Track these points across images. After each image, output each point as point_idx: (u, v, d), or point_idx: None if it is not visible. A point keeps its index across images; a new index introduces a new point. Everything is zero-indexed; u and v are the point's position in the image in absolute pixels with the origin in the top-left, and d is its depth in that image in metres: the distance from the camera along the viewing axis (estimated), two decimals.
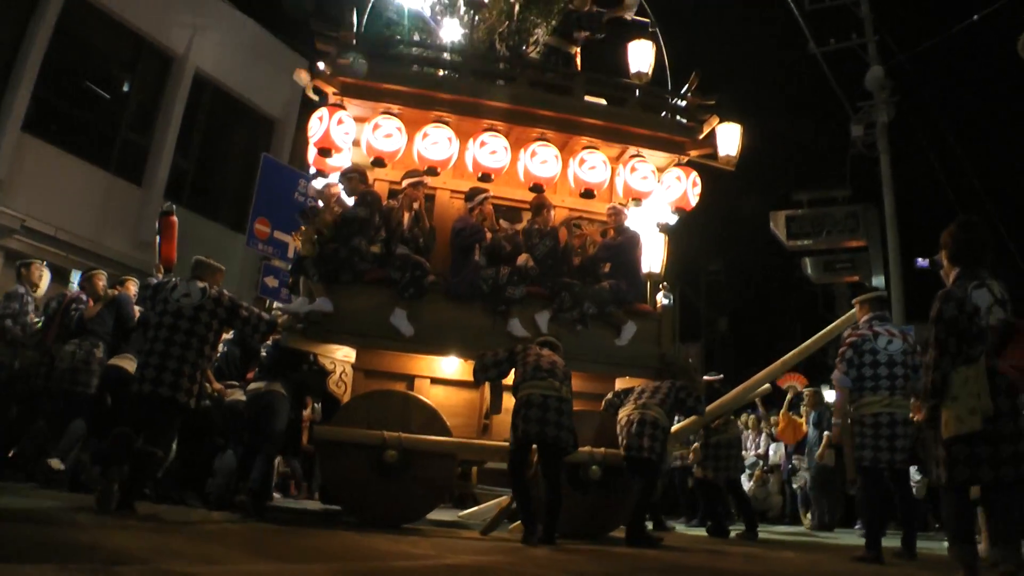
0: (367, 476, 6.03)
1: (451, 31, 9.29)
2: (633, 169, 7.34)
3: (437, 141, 6.93)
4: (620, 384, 7.03)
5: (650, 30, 8.59)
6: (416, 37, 9.39)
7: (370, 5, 8.59)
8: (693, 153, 7.63)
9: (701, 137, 7.61)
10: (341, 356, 6.72)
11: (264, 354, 6.77)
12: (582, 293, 6.79)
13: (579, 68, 8.64)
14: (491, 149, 6.99)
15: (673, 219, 7.83)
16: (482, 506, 7.73)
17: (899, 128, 17.39)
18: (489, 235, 6.96)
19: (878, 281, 17.94)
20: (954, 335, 3.86)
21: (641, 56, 8.46)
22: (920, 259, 15.58)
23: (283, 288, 10.96)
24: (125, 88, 14.23)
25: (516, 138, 7.26)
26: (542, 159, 7.08)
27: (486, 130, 7.09)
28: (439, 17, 9.48)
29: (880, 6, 18.05)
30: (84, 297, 7.59)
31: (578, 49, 8.69)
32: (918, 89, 31.34)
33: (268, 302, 10.11)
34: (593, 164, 7.25)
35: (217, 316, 5.59)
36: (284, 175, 12.00)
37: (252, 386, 6.51)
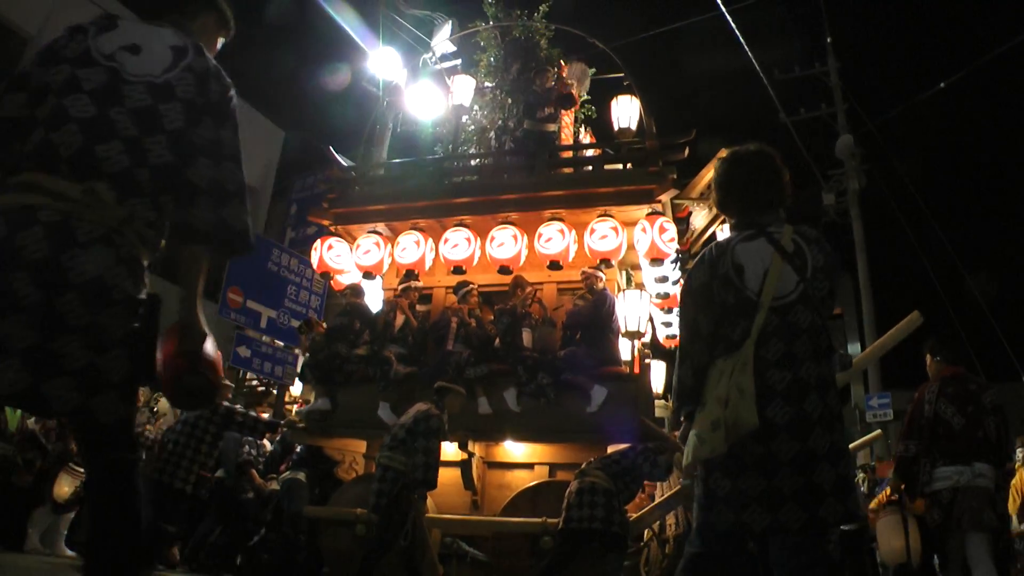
0: (351, 549, 6.56)
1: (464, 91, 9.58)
2: (592, 231, 7.48)
3: (406, 247, 7.85)
4: (612, 451, 6.96)
5: (625, 84, 8.83)
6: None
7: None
8: (663, 197, 7.69)
9: (674, 177, 7.66)
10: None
11: (298, 449, 7.95)
12: (535, 365, 6.90)
13: (567, 140, 9.02)
14: (453, 243, 7.72)
15: (666, 271, 7.84)
16: None
17: (871, 195, 17.78)
18: (472, 322, 7.53)
19: (853, 348, 18.17)
20: (707, 310, 2.79)
21: (624, 112, 8.69)
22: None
23: (255, 358, 10.97)
24: None
25: (482, 227, 7.84)
26: (499, 242, 7.62)
27: (452, 227, 7.83)
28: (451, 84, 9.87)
29: (848, 76, 18.64)
30: None
31: (554, 126, 8.92)
32: (888, 156, 32.16)
33: (241, 372, 10.13)
34: (549, 236, 7.54)
35: (213, 422, 7.23)
36: (258, 245, 12.08)
37: (283, 476, 7.78)
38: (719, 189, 3.04)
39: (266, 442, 8.84)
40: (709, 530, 2.61)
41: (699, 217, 9.05)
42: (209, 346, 2.33)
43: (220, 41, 2.73)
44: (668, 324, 9.21)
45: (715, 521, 2.58)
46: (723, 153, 3.11)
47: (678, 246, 8.55)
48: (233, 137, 2.38)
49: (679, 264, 8.29)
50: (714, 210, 8.82)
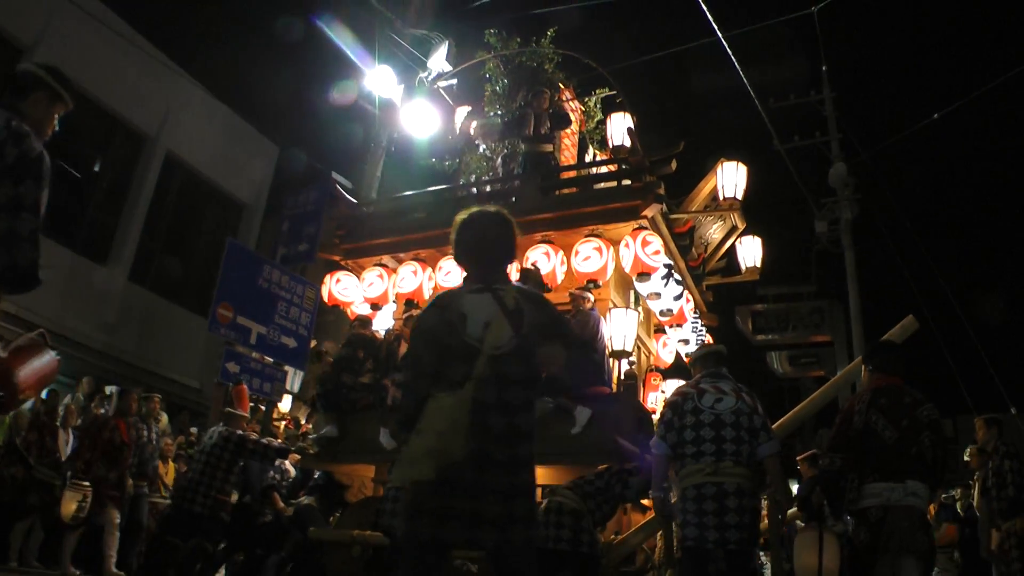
0: (356, 570, 6.71)
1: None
2: (577, 252, 7.50)
3: (404, 277, 8.22)
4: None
5: (618, 101, 8.90)
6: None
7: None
8: (648, 212, 7.59)
9: (660, 191, 7.61)
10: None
11: (316, 475, 8.32)
12: None
13: (568, 161, 9.14)
14: (447, 271, 7.98)
15: (656, 287, 7.89)
16: None
17: (863, 225, 17.87)
18: None
19: None
20: (431, 350, 3.09)
21: (619, 128, 8.74)
22: None
23: (244, 374, 10.95)
24: (96, 167, 14.41)
25: None
26: None
27: (446, 256, 8.00)
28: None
29: (843, 105, 18.73)
30: None
31: (550, 147, 8.96)
32: (881, 186, 32.31)
33: (230, 387, 10.09)
34: (536, 259, 7.61)
35: (227, 450, 7.59)
36: (249, 261, 12.14)
37: (296, 501, 8.19)
38: (455, 246, 3.34)
39: (290, 467, 9.11)
40: (413, 539, 2.92)
41: (713, 230, 9.11)
42: (24, 371, 2.97)
43: (57, 114, 3.21)
44: (685, 342, 9.20)
45: (418, 532, 2.90)
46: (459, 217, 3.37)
47: (685, 262, 8.60)
48: (33, 189, 2.95)
49: (697, 278, 8.35)
50: (729, 223, 8.90)
